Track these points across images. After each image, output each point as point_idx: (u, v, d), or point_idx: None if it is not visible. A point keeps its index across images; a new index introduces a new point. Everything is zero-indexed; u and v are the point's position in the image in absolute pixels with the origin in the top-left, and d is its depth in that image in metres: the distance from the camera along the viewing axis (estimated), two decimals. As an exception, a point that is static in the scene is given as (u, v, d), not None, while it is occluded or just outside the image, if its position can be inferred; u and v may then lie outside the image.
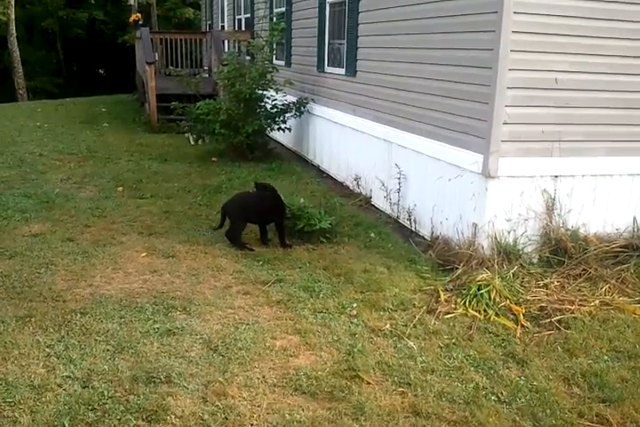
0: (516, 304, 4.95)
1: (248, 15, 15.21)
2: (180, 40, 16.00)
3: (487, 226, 5.67)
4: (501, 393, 3.86)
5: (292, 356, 4.19)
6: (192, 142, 9.10)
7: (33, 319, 4.53)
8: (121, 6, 29.91)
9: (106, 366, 3.96)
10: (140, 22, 19.14)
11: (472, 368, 4.14)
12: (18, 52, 24.94)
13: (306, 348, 4.31)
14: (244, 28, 15.79)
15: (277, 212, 6.32)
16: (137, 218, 7.07)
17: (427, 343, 4.44)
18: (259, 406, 3.63)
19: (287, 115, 10.54)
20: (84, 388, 3.73)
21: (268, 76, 10.44)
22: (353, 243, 6.42)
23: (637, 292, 5.32)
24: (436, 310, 4.88)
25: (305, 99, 10.40)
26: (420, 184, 6.76)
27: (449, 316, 4.82)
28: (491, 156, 5.50)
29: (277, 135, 11.56)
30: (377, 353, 4.27)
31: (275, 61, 11.40)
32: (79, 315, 4.63)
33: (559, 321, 4.76)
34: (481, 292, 4.98)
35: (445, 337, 4.53)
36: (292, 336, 4.46)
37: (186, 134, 9.41)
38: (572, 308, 4.94)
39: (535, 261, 5.71)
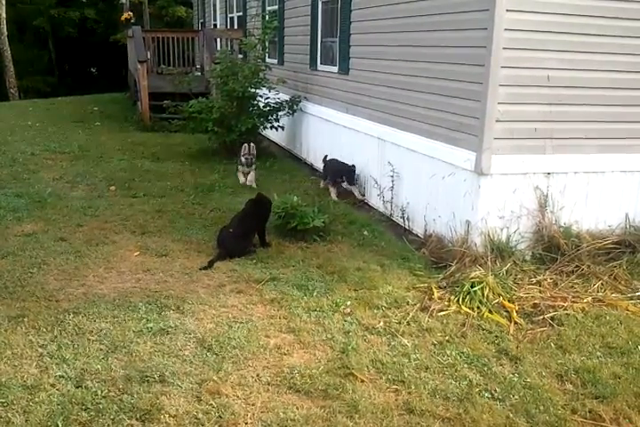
0: (509, 301, 4.97)
1: (240, 13, 15.19)
2: (173, 38, 15.97)
3: (480, 223, 5.68)
4: (495, 390, 3.88)
5: (285, 354, 4.19)
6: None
7: (26, 319, 4.51)
8: (112, 5, 29.84)
9: (99, 366, 3.95)
10: (132, 21, 19.10)
11: (465, 365, 4.15)
12: (9, 51, 24.79)
13: (300, 346, 4.31)
14: (236, 27, 15.78)
15: (263, 222, 6.35)
16: (130, 217, 7.05)
17: (420, 341, 4.44)
18: (253, 405, 3.63)
19: (280, 113, 10.53)
20: (78, 388, 3.72)
21: (261, 75, 10.43)
22: (346, 241, 6.42)
23: (630, 288, 5.35)
24: (430, 307, 4.89)
25: (298, 97, 10.39)
26: (414, 182, 6.77)
27: (442, 313, 4.83)
28: (483, 153, 5.51)
29: (270, 134, 11.54)
30: (371, 351, 4.27)
31: (267, 60, 11.39)
32: (72, 314, 4.62)
33: (552, 318, 4.78)
34: (474, 289, 4.99)
35: (439, 334, 4.53)
36: (285, 335, 4.46)
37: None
38: (565, 304, 4.96)
39: (528, 258, 5.72)
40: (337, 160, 8.43)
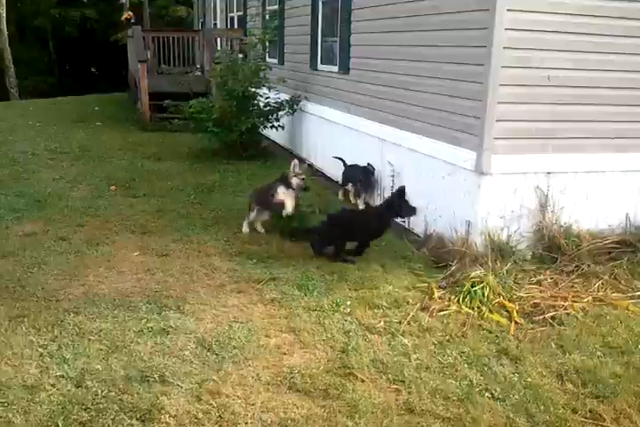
0: (509, 301, 4.96)
1: (241, 13, 15.18)
2: (173, 38, 15.94)
3: (480, 223, 5.68)
4: (495, 390, 3.87)
5: (286, 354, 4.19)
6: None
7: (26, 319, 4.51)
8: (113, 5, 29.81)
9: (99, 366, 3.95)
10: (132, 21, 19.11)
11: (466, 365, 4.15)
12: (9, 51, 24.81)
13: (300, 346, 4.30)
14: (236, 26, 15.77)
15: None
16: (130, 217, 7.05)
17: (421, 340, 4.44)
18: (253, 405, 3.62)
19: (280, 113, 10.52)
20: (78, 387, 3.72)
21: (261, 74, 10.43)
22: (347, 241, 6.41)
23: (630, 288, 5.34)
24: (430, 307, 4.89)
25: (298, 96, 10.39)
26: (414, 182, 6.74)
27: (443, 313, 4.82)
28: (484, 153, 5.51)
29: (271, 133, 11.53)
30: (371, 351, 4.27)
31: (267, 59, 11.40)
32: (72, 314, 4.62)
33: (552, 317, 4.77)
34: (474, 289, 4.99)
35: (439, 334, 4.53)
36: (285, 334, 4.46)
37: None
38: (566, 304, 4.95)
39: (529, 257, 5.72)
40: (358, 165, 7.88)
